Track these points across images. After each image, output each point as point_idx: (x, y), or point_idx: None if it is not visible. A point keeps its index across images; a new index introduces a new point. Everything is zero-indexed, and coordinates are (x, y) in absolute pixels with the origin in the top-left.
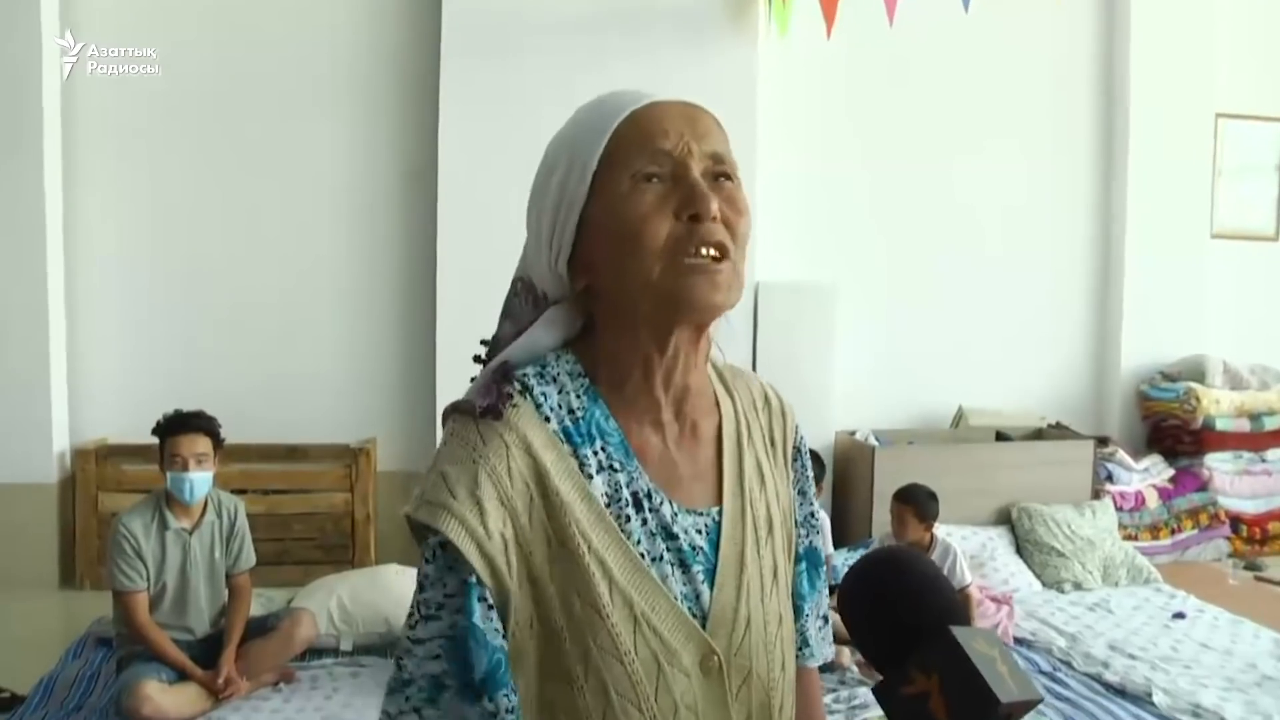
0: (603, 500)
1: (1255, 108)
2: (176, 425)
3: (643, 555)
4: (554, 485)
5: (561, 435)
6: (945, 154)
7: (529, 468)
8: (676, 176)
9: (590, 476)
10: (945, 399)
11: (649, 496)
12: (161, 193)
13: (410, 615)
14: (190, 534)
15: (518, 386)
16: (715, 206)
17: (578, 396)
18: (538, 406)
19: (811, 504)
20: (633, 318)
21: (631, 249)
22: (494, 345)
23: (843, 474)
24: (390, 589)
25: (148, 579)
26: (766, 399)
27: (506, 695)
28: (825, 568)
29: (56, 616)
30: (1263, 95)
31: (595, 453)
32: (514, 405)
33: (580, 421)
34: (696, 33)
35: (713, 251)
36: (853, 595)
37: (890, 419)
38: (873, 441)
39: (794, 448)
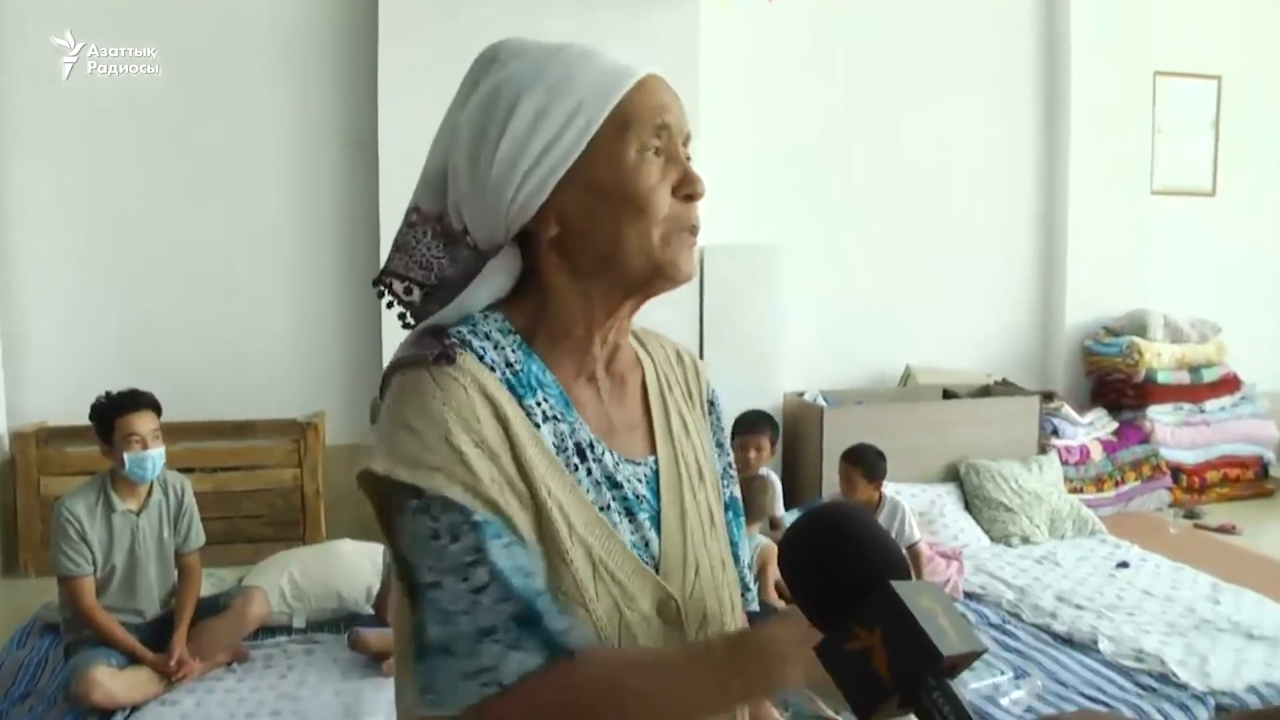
0: (552, 449)
1: (1192, 66)
2: (126, 404)
3: (592, 503)
4: (515, 431)
5: (505, 386)
6: (889, 115)
7: (489, 411)
8: (671, 153)
9: (538, 425)
10: (892, 358)
11: (591, 447)
12: (98, 167)
13: (453, 569)
14: (138, 515)
15: (454, 340)
16: (702, 189)
17: (513, 351)
18: (480, 358)
19: (728, 455)
20: (605, 275)
21: (636, 217)
22: (422, 309)
23: (792, 435)
24: (342, 564)
25: (94, 563)
26: (679, 356)
27: (549, 621)
28: (743, 518)
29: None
30: (1199, 53)
31: (539, 403)
32: (461, 354)
33: (520, 374)
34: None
35: (696, 229)
36: (792, 553)
37: (838, 379)
38: (821, 402)
39: (708, 400)
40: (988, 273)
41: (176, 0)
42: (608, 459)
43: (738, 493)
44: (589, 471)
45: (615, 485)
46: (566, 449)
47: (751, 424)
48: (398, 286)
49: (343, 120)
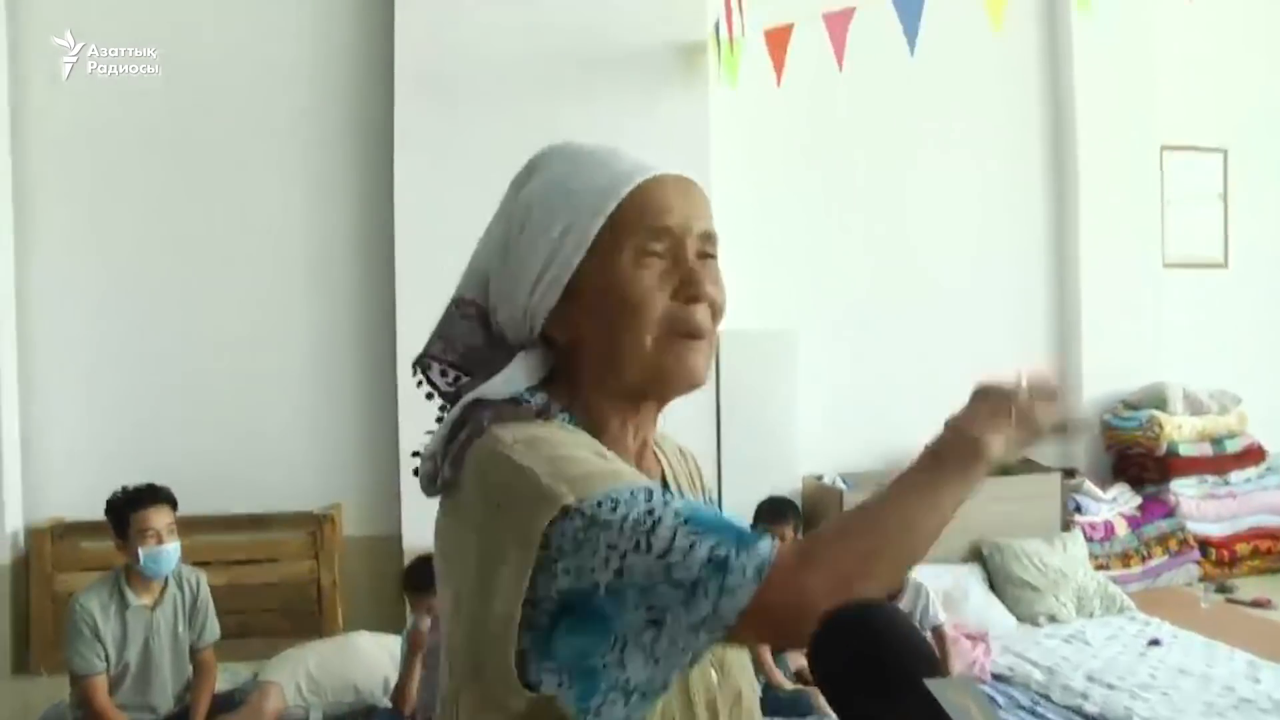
0: None
1: (1197, 139)
2: (142, 499)
3: None
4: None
5: None
6: (899, 196)
7: (595, 444)
8: (675, 255)
9: None
10: (910, 438)
11: None
12: (109, 259)
13: (635, 546)
14: (152, 610)
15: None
16: (709, 290)
17: (573, 426)
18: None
19: None
20: (616, 382)
21: (629, 322)
22: (456, 393)
23: (811, 518)
24: (359, 657)
25: (107, 659)
26: (681, 451)
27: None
28: None
29: (10, 705)
30: (1204, 126)
31: None
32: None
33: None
34: (648, 81)
35: (702, 333)
36: (823, 652)
37: (856, 461)
38: (840, 485)
39: (707, 491)
40: (1002, 349)
41: (187, 72)
42: None
43: None
44: None
45: None
46: None
47: (778, 512)
48: (435, 370)
49: (358, 210)
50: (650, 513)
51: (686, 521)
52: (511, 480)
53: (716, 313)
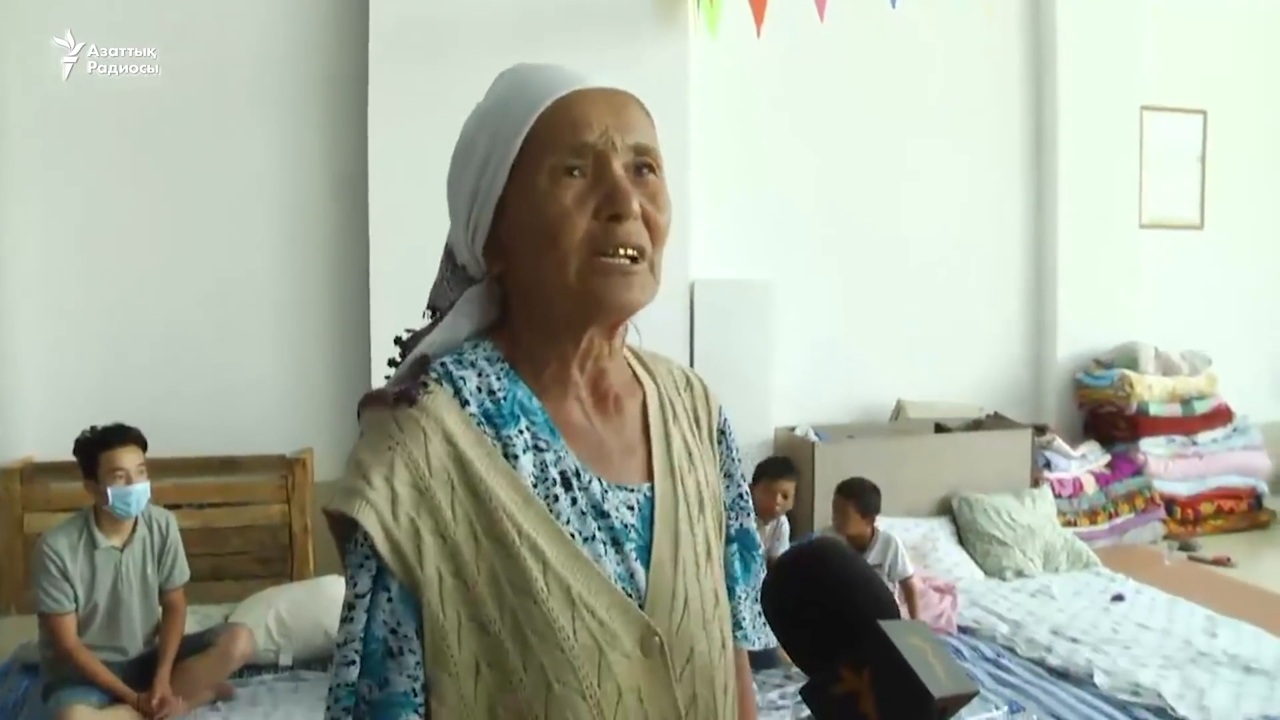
0: (530, 481)
1: (1178, 100)
2: (111, 438)
3: (573, 535)
4: (477, 472)
5: (482, 418)
6: (878, 150)
7: (449, 455)
8: (598, 171)
9: (515, 457)
10: (884, 393)
11: (577, 475)
12: (85, 202)
13: (341, 616)
14: (121, 551)
15: (435, 374)
16: (636, 205)
17: (498, 379)
18: (456, 391)
19: (740, 485)
20: (546, 311)
21: (547, 246)
22: (416, 335)
23: None
24: (330, 601)
25: (76, 600)
26: (689, 381)
27: (369, 686)
28: (761, 552)
29: None
30: (1185, 88)
31: (520, 432)
32: (429, 392)
33: (502, 402)
34: (626, 32)
35: (630, 252)
36: (774, 593)
37: (830, 414)
38: (813, 437)
39: (718, 429)
40: (978, 306)
41: (163, 32)
42: (595, 487)
43: (749, 524)
44: (573, 501)
45: (601, 514)
46: (548, 478)
47: (780, 469)
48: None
49: (332, 153)
50: (358, 596)
51: (363, 643)
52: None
53: (655, 231)
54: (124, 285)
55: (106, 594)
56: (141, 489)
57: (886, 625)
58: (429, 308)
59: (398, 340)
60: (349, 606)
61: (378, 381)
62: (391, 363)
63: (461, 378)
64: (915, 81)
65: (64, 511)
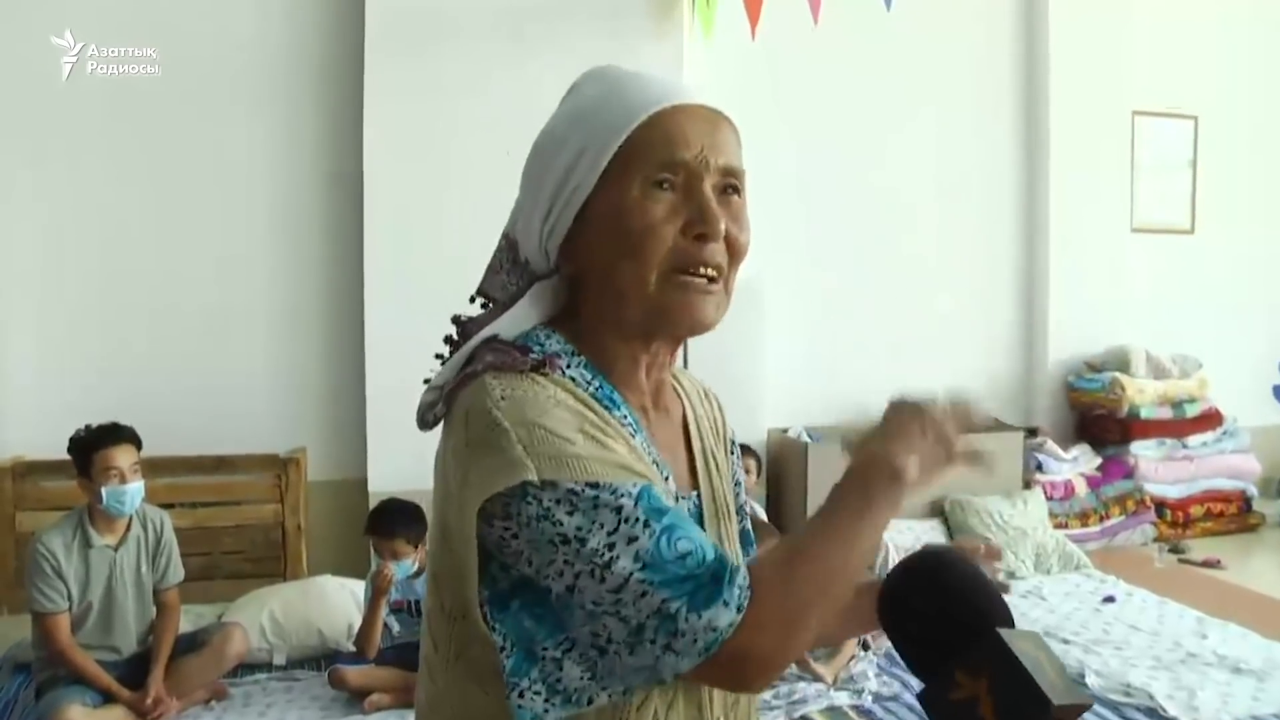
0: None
1: (1169, 105)
2: (108, 436)
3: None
4: (610, 435)
5: (593, 398)
6: (871, 153)
7: (586, 416)
8: (689, 189)
9: (631, 435)
10: (875, 394)
11: (659, 466)
12: (76, 197)
13: (589, 572)
14: (115, 550)
15: (537, 354)
16: (724, 226)
17: (582, 369)
18: (563, 371)
19: (743, 494)
20: (618, 317)
21: (632, 255)
22: (473, 319)
23: (776, 471)
24: (323, 601)
25: (70, 599)
26: (705, 394)
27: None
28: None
29: None
30: (1176, 93)
31: (622, 420)
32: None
33: (598, 391)
34: (621, 30)
35: (710, 272)
36: (894, 597)
37: (822, 415)
38: (805, 438)
39: (729, 439)
40: (970, 309)
41: (157, 24)
42: (672, 484)
43: (749, 526)
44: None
45: None
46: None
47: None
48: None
49: (327, 150)
50: (612, 537)
51: (645, 567)
52: (488, 435)
53: (735, 252)
54: (116, 283)
55: (100, 593)
56: (135, 488)
57: (1005, 633)
58: (479, 293)
59: (456, 319)
60: (608, 548)
61: (373, 380)
62: (448, 340)
63: (566, 363)
64: (908, 84)
65: (56, 510)
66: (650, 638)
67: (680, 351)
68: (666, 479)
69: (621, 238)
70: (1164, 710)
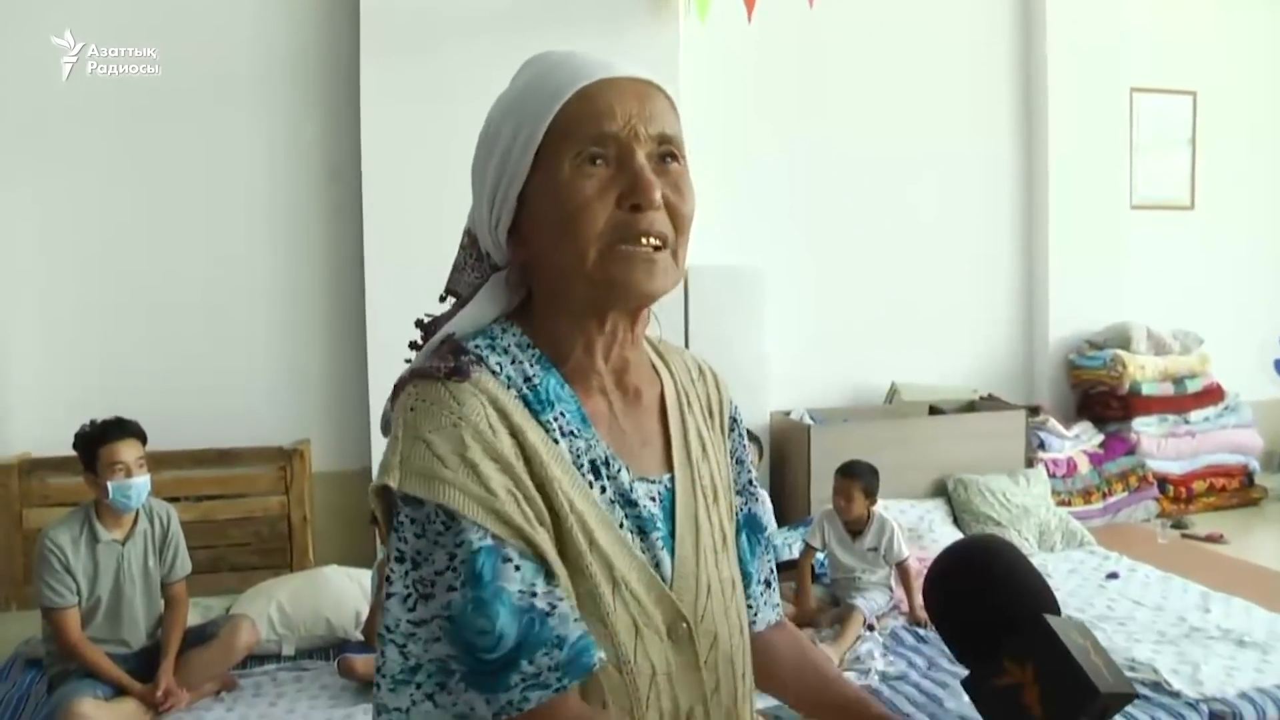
0: (571, 464)
1: (1168, 81)
2: (113, 431)
3: (611, 520)
4: (531, 445)
5: (521, 402)
6: (869, 134)
7: (505, 426)
8: (621, 161)
9: (556, 441)
10: (878, 376)
11: (606, 464)
12: (78, 194)
13: (404, 597)
14: (123, 545)
15: (472, 356)
16: (659, 194)
17: (530, 365)
18: (494, 374)
19: (749, 472)
20: (567, 298)
21: (568, 235)
22: (436, 319)
23: (780, 454)
24: (330, 591)
25: (79, 594)
26: (701, 371)
27: (549, 652)
28: (767, 534)
29: None
30: (1174, 69)
31: (555, 419)
32: (477, 370)
33: (537, 389)
34: (618, 15)
35: (654, 241)
36: (943, 582)
37: (824, 398)
38: (808, 420)
39: (730, 417)
40: (971, 289)
41: (156, 24)
42: (623, 476)
43: (758, 509)
44: (603, 489)
45: (629, 503)
46: (582, 465)
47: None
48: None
49: (325, 145)
50: (438, 576)
51: (451, 619)
52: (392, 439)
53: (678, 219)
54: (118, 278)
55: (109, 588)
56: (141, 483)
57: (1052, 620)
58: (448, 291)
59: (419, 323)
60: (429, 584)
61: (375, 371)
62: (413, 345)
63: (498, 362)
64: (905, 64)
65: (62, 506)
66: (419, 681)
67: (683, 336)
68: (617, 473)
69: (557, 219)
70: (1169, 685)
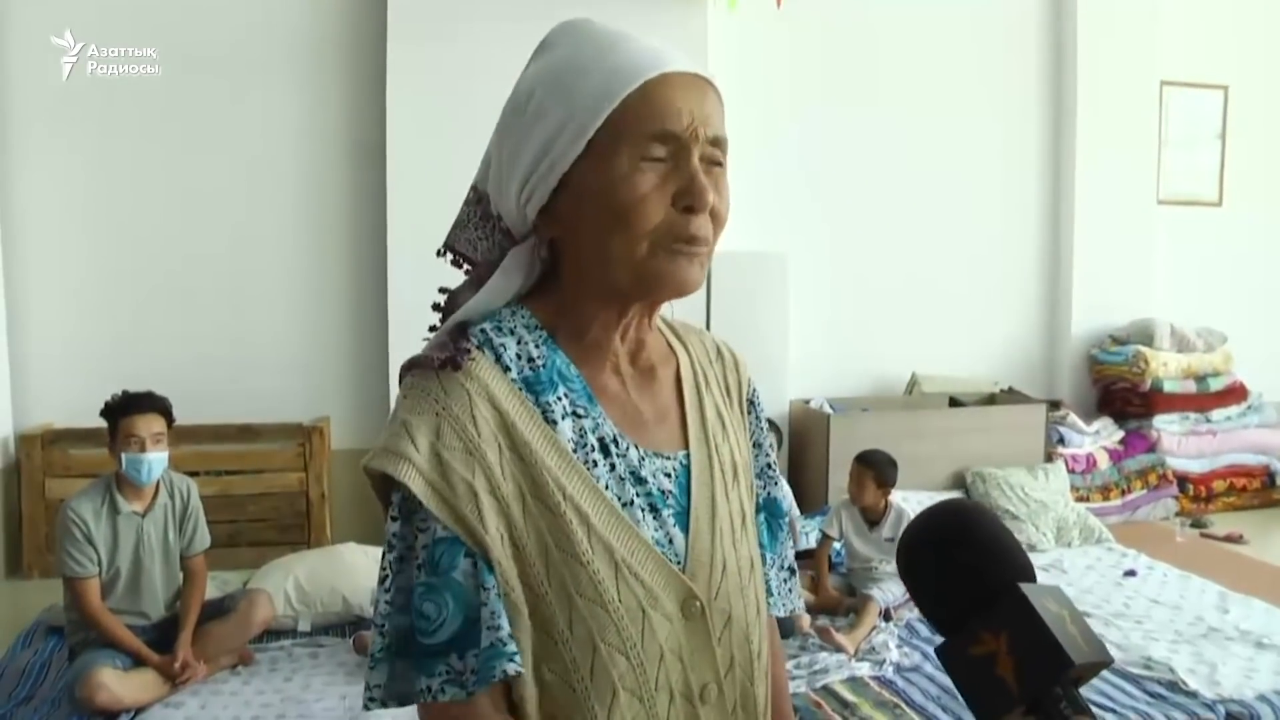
0: (570, 446)
1: (1199, 76)
2: (131, 405)
3: (613, 501)
4: (521, 435)
5: (522, 384)
6: (896, 124)
7: (494, 418)
8: (678, 160)
9: (555, 423)
10: (898, 366)
11: (615, 441)
12: (103, 169)
13: (382, 579)
14: (143, 517)
15: (475, 341)
16: (712, 198)
17: (536, 346)
18: (497, 358)
19: (768, 455)
20: (601, 283)
21: (621, 227)
22: (452, 295)
23: (798, 442)
24: (347, 568)
25: (99, 564)
26: (719, 351)
27: (476, 653)
28: (788, 520)
29: (4, 606)
30: (1206, 63)
31: (559, 399)
32: (471, 358)
33: (541, 369)
34: (644, 5)
35: (699, 243)
36: (914, 549)
37: (844, 387)
38: (827, 409)
39: (748, 399)
40: (994, 281)
41: (189, 3)
42: (632, 454)
43: (777, 493)
44: (611, 467)
45: (639, 480)
46: (587, 444)
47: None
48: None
49: (351, 122)
50: (400, 561)
51: (391, 600)
52: (388, 422)
53: (718, 222)
54: (143, 253)
55: (129, 559)
56: (156, 458)
57: (1027, 589)
58: (445, 247)
59: (436, 306)
60: (398, 560)
61: (395, 349)
62: (433, 329)
63: (501, 344)
64: (934, 54)
65: (84, 477)
66: (377, 652)
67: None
68: (626, 450)
69: (610, 209)
70: (1185, 684)
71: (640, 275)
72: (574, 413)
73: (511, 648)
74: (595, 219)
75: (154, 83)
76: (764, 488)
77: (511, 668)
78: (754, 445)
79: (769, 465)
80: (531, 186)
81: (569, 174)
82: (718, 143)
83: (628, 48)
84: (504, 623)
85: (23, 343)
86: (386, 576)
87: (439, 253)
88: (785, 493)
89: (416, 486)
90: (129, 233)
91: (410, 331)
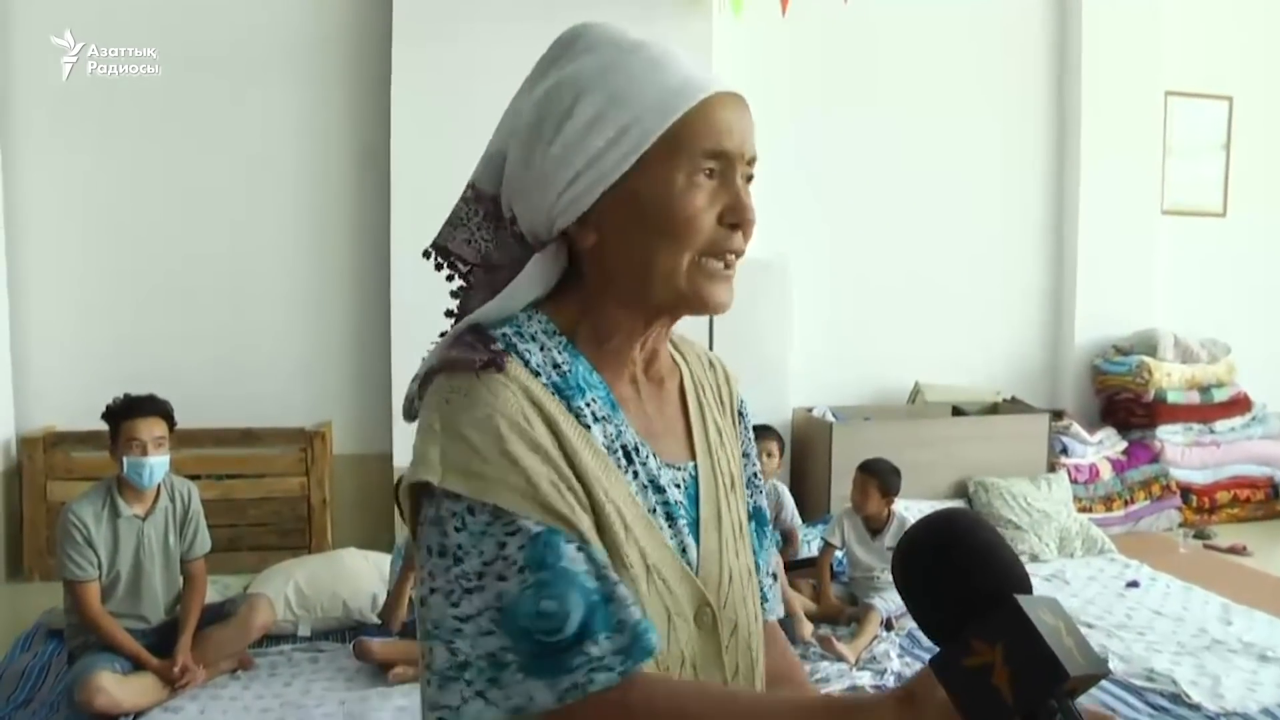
0: (604, 450)
1: (1203, 86)
2: (133, 408)
3: (643, 506)
4: (565, 435)
5: (552, 389)
6: (900, 131)
7: (539, 416)
8: (725, 177)
9: (588, 426)
10: (901, 375)
11: (636, 450)
12: (104, 169)
13: (447, 593)
14: (144, 520)
15: (500, 345)
16: (754, 217)
17: (559, 352)
18: (525, 362)
19: (754, 465)
20: (635, 293)
21: (670, 240)
22: (463, 302)
23: (801, 450)
24: (348, 573)
25: (99, 568)
26: (711, 363)
27: (610, 636)
28: (770, 528)
29: (4, 609)
30: (1210, 74)
31: (587, 404)
32: (509, 360)
33: (568, 375)
34: (651, 8)
35: (734, 258)
36: (909, 557)
37: (847, 396)
38: (830, 418)
39: (738, 410)
40: (997, 290)
41: (185, 4)
42: (651, 463)
43: (762, 502)
44: (635, 474)
45: (659, 489)
46: (615, 450)
47: (759, 429)
48: (442, 261)
49: (355, 126)
50: (485, 567)
51: (501, 609)
52: (425, 432)
53: (747, 239)
54: (145, 255)
55: (129, 562)
56: (157, 462)
57: (1023, 600)
58: (435, 248)
59: (449, 313)
60: (476, 575)
61: (398, 355)
62: (443, 335)
63: (526, 350)
64: (938, 63)
65: (86, 480)
66: (469, 678)
67: (707, 330)
68: (646, 459)
69: (662, 221)
70: (1188, 697)
71: (680, 291)
72: (603, 418)
73: (648, 619)
74: (642, 230)
75: (154, 83)
76: (751, 497)
77: (656, 638)
78: (743, 455)
79: (755, 475)
80: (575, 193)
81: (617, 183)
82: (753, 162)
83: (679, 63)
84: (631, 593)
85: (24, 345)
86: (460, 598)
87: (426, 253)
88: (787, 503)
89: (501, 497)
90: (130, 234)
91: (413, 337)
